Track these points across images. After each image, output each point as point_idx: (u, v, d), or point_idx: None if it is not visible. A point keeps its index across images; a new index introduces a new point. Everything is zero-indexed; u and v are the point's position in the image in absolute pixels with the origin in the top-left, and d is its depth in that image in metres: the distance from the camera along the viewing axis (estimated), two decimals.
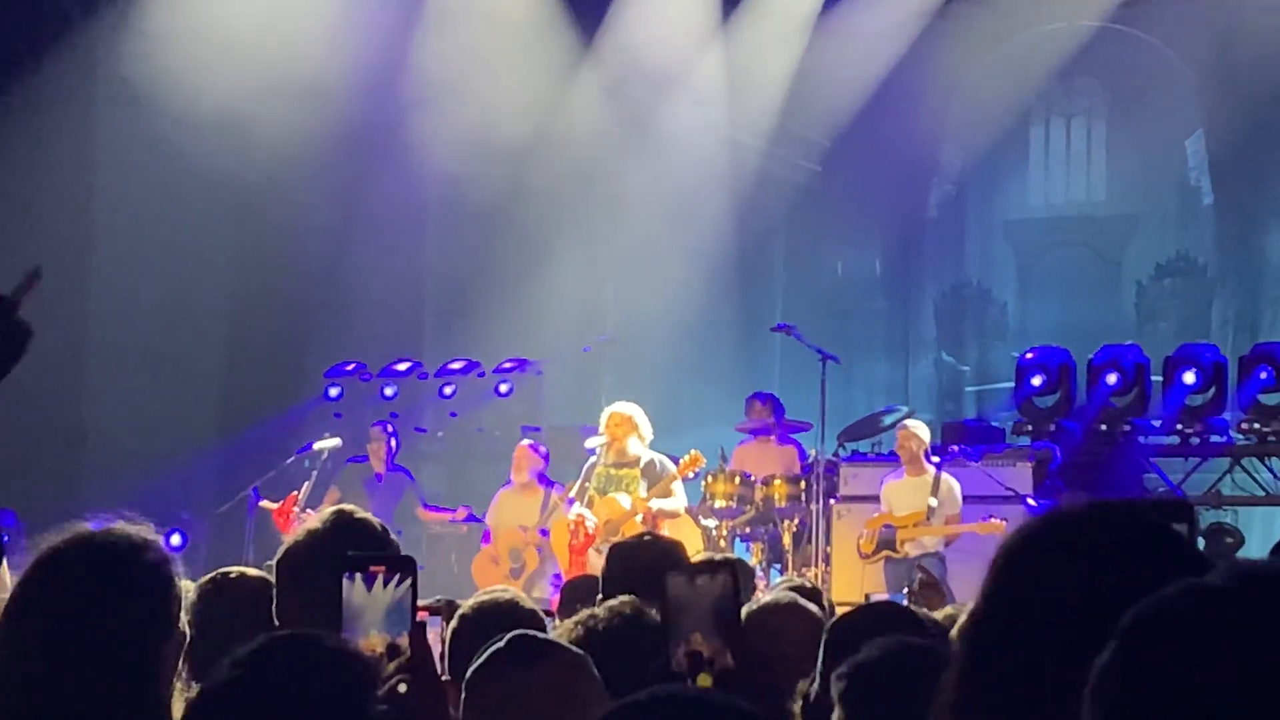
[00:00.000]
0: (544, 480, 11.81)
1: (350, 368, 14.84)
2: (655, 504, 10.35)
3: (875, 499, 11.73)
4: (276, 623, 3.19)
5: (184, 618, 2.84)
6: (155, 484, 12.87)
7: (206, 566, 4.71)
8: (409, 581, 2.53)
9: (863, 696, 2.70)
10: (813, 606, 4.31)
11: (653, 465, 10.48)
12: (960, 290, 20.73)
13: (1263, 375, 12.74)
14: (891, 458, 12.23)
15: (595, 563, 9.44)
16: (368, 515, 3.36)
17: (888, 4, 16.47)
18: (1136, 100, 19.49)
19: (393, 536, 3.35)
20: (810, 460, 12.35)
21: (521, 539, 11.64)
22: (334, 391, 14.73)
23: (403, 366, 14.97)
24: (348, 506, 3.44)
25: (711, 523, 11.93)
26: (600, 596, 4.19)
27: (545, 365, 15.36)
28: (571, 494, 10.76)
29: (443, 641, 3.76)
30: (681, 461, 10.67)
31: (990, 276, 20.82)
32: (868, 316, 19.95)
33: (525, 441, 12.07)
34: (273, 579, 3.40)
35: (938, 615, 5.15)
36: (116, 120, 13.89)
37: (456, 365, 15.03)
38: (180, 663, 2.84)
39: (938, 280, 20.72)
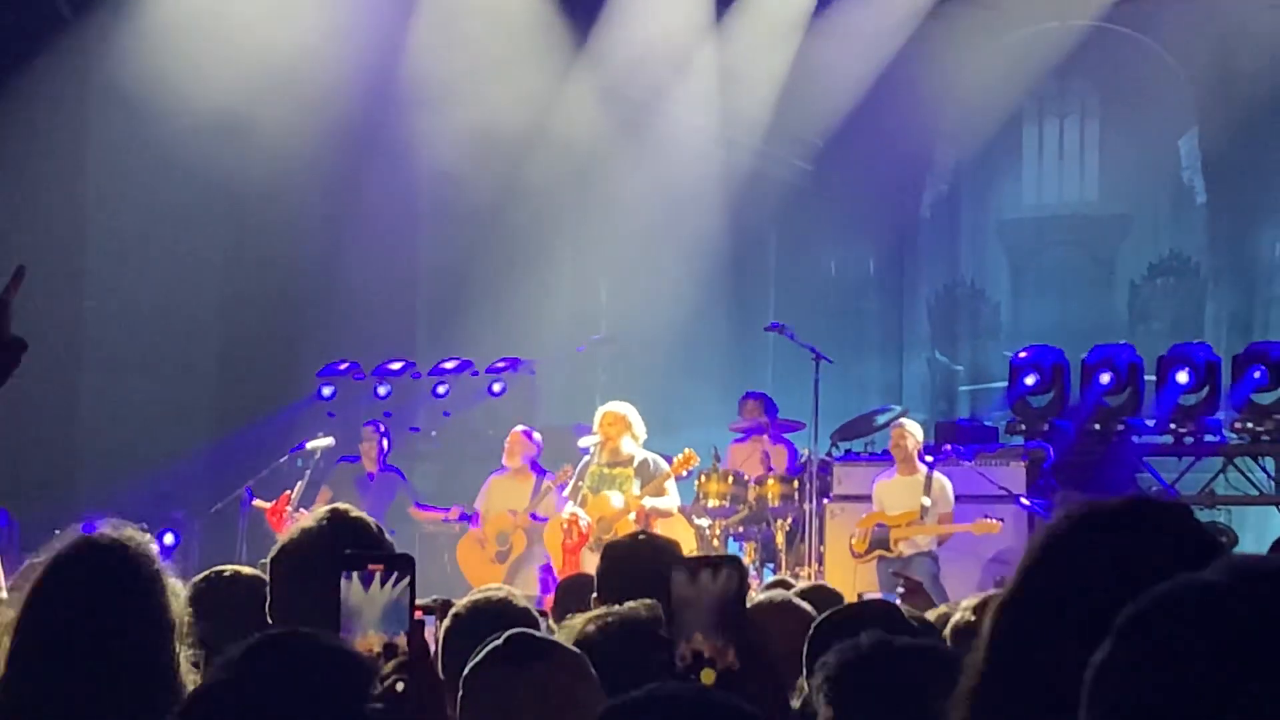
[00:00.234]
0: (536, 468, 11.80)
1: (343, 367, 14.82)
2: (648, 502, 10.36)
3: (869, 498, 11.74)
4: (270, 621, 3.19)
5: (183, 613, 2.85)
6: (149, 483, 12.88)
7: (200, 565, 4.72)
8: (407, 580, 2.52)
9: (845, 691, 2.70)
10: (806, 605, 4.31)
11: (646, 464, 10.49)
12: (953, 289, 20.71)
13: (1256, 374, 12.75)
14: (885, 457, 12.23)
15: (589, 561, 9.44)
16: (362, 514, 3.36)
17: (881, 3, 16.47)
18: (1130, 100, 19.48)
19: (387, 536, 3.34)
20: (803, 460, 12.36)
21: (510, 522, 11.62)
22: (327, 391, 14.70)
23: (396, 366, 14.95)
24: (342, 505, 3.43)
25: (705, 522, 11.93)
26: (595, 596, 4.19)
27: (539, 365, 15.35)
28: (565, 489, 10.76)
29: (436, 640, 3.76)
30: (675, 460, 10.68)
31: (984, 276, 20.80)
32: (861, 316, 19.94)
33: (519, 428, 12.05)
34: (267, 577, 3.39)
35: (930, 616, 5.17)
36: (111, 120, 13.88)
37: (450, 364, 15.02)
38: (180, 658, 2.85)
39: (931, 279, 20.70)
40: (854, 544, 11.57)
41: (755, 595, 4.78)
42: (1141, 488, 12.76)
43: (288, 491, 11.61)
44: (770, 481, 12.10)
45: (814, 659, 3.07)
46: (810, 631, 3.48)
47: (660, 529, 9.62)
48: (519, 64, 15.57)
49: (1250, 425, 12.83)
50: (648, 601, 3.40)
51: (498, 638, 2.94)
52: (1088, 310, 19.92)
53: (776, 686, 2.75)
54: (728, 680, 2.50)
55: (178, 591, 2.90)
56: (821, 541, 11.99)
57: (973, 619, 3.96)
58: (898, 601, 8.52)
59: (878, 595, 10.34)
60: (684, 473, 10.87)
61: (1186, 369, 12.95)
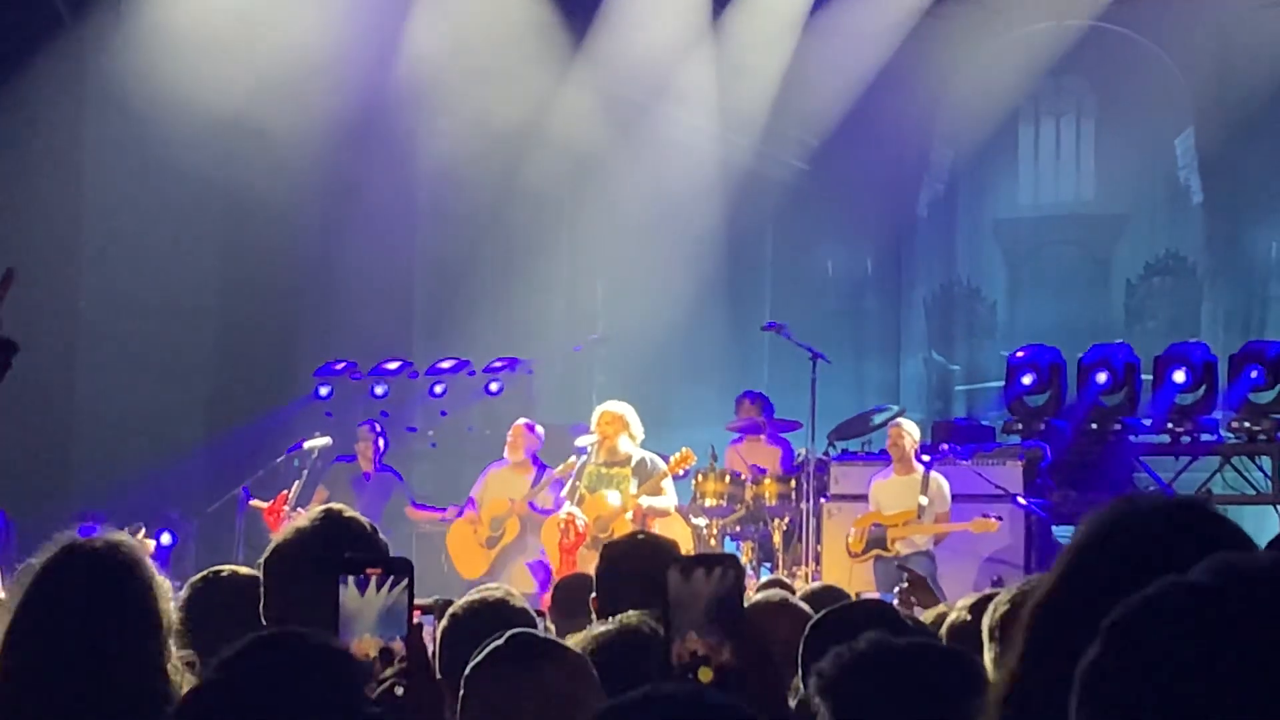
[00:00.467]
0: (537, 461, 11.78)
1: (340, 366, 14.82)
2: (645, 501, 10.36)
3: (866, 498, 11.73)
4: (264, 621, 3.19)
5: (175, 616, 2.85)
6: (145, 483, 12.87)
7: (197, 565, 4.72)
8: (404, 584, 2.50)
9: (844, 692, 2.69)
10: (804, 605, 4.32)
11: (644, 463, 10.49)
12: (950, 289, 20.71)
13: (1253, 374, 12.75)
14: (882, 456, 12.23)
15: (586, 561, 9.44)
16: (356, 514, 3.35)
17: (877, 3, 16.48)
18: (1126, 99, 19.48)
19: (381, 536, 3.34)
20: (800, 459, 12.36)
21: (507, 508, 11.58)
22: (324, 390, 14.70)
23: (393, 365, 14.94)
24: (336, 505, 3.42)
25: (702, 521, 11.93)
26: (593, 595, 4.20)
27: (536, 364, 15.35)
28: (562, 484, 10.74)
29: (434, 641, 3.75)
30: (672, 459, 10.67)
31: (980, 275, 20.80)
32: (858, 315, 19.93)
33: (522, 420, 12.02)
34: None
35: (928, 615, 5.18)
36: (108, 120, 13.88)
37: (447, 364, 15.01)
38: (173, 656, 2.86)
39: (928, 279, 20.70)
40: (851, 543, 11.57)
41: (752, 595, 4.78)
42: (1138, 487, 12.77)
43: (285, 491, 11.61)
44: (767, 481, 12.10)
45: (809, 659, 3.07)
46: (806, 631, 3.48)
47: (657, 528, 9.62)
48: (517, 64, 15.58)
49: (1247, 424, 12.83)
50: (648, 614, 3.40)
51: (498, 638, 2.93)
52: (1084, 310, 19.93)
53: (774, 685, 2.75)
54: (725, 679, 2.49)
55: (169, 594, 2.91)
56: (818, 541, 11.99)
57: (969, 619, 3.96)
58: (895, 601, 8.54)
59: (874, 595, 10.34)
60: (681, 472, 10.86)
61: (1183, 368, 12.96)
